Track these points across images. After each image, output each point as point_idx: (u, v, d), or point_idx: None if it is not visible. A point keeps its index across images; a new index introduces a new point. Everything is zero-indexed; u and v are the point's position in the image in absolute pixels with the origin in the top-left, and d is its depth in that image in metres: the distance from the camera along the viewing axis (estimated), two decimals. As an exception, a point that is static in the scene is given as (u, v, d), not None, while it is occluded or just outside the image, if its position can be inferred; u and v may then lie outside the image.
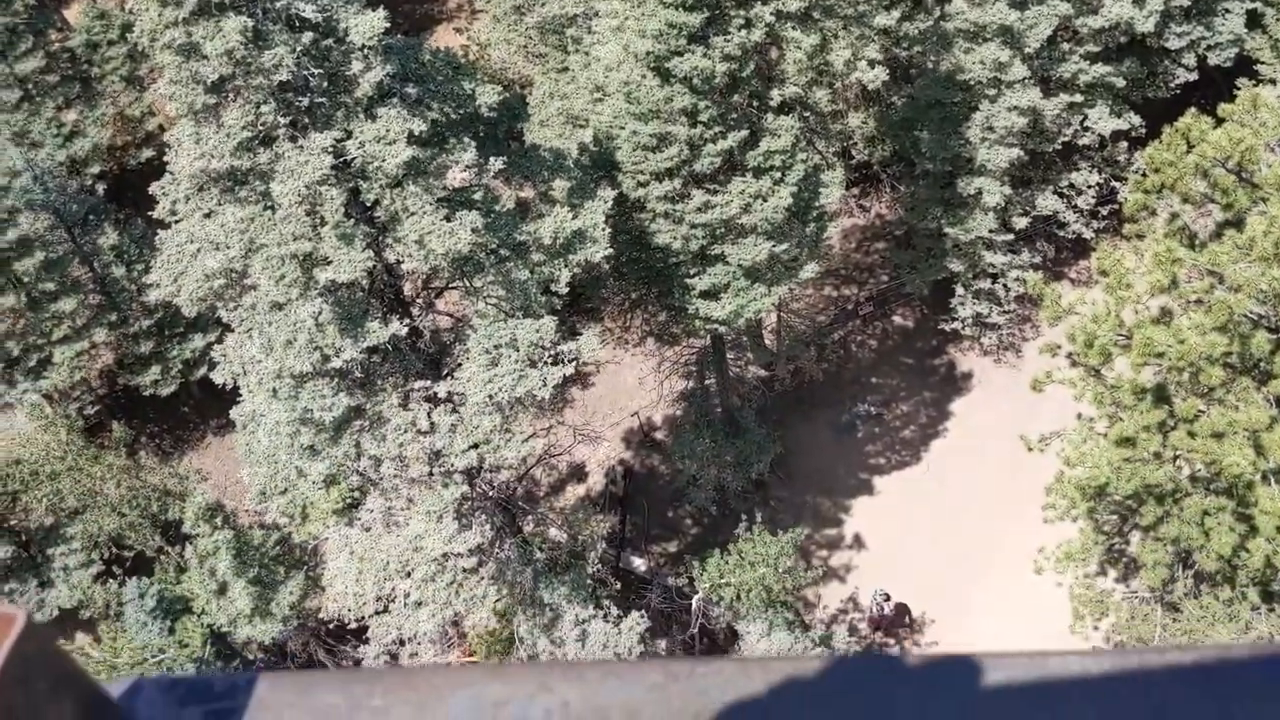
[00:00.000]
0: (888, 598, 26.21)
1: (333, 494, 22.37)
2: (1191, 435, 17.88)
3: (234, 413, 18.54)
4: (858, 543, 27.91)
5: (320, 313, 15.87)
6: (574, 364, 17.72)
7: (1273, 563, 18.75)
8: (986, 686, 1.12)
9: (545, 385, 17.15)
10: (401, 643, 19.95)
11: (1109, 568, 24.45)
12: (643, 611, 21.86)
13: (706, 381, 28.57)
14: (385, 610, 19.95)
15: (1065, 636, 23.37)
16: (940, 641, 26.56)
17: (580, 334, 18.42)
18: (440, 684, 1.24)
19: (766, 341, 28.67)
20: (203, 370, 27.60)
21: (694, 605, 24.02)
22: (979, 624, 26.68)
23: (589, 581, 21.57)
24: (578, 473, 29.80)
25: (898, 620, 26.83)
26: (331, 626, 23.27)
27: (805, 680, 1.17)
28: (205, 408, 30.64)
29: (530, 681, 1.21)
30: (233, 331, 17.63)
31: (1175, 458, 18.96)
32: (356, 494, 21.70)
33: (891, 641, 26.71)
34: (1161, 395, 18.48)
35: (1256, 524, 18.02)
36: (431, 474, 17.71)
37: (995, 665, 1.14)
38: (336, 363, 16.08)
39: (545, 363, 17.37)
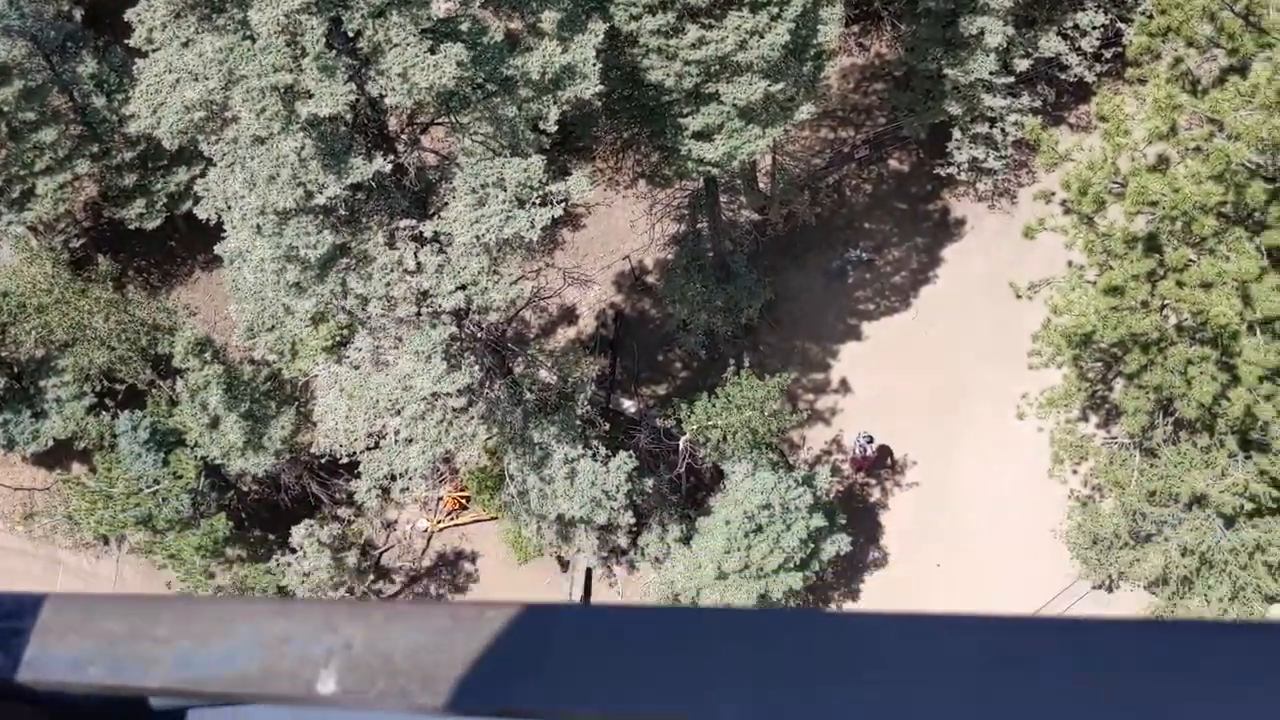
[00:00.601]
0: (870, 440, 26.65)
1: (321, 331, 22.41)
2: (1180, 285, 17.86)
3: (219, 249, 18.37)
4: (844, 387, 28.20)
5: (303, 148, 15.55)
6: (563, 205, 17.49)
7: (1253, 412, 19.00)
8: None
9: (534, 226, 16.96)
10: (393, 478, 20.29)
11: (1090, 414, 24.80)
12: (630, 452, 22.22)
13: (698, 225, 28.35)
14: (376, 446, 20.24)
15: (1044, 481, 23.86)
16: (921, 482, 27.14)
17: (570, 174, 18.12)
18: (225, 616, 1.21)
19: (760, 185, 28.32)
20: (188, 204, 27.26)
21: (681, 446, 24.41)
22: (959, 467, 27.25)
23: (578, 422, 21.84)
24: (568, 315, 29.84)
25: (879, 461, 27.36)
26: (324, 461, 23.64)
27: (594, 630, 1.13)
28: (192, 242, 30.41)
29: (316, 619, 1.19)
30: (215, 166, 17.31)
31: (1162, 307, 18.98)
32: (345, 332, 21.74)
33: (873, 482, 27.30)
34: (1152, 244, 18.38)
35: (1239, 373, 18.18)
36: (419, 314, 17.70)
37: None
38: (320, 199, 15.85)
39: (534, 203, 17.14)
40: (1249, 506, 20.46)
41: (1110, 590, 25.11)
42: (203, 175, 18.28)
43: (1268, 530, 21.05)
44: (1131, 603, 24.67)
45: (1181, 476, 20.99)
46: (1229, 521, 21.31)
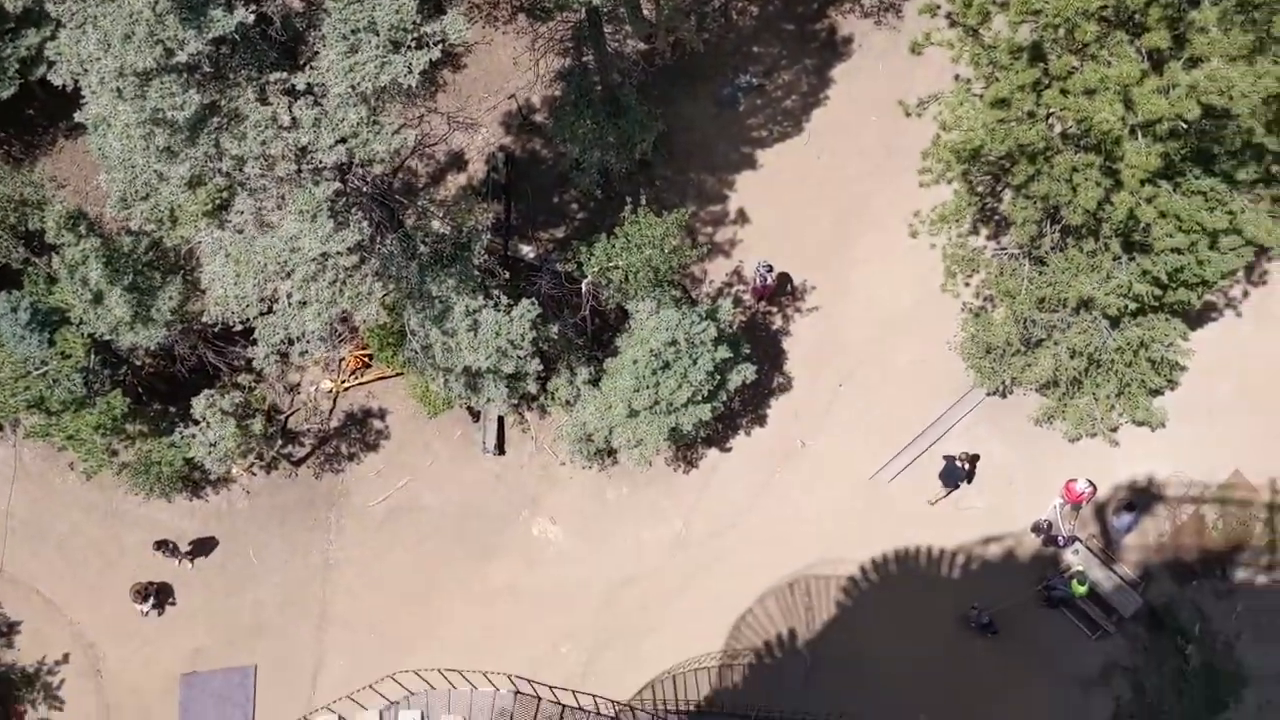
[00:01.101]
0: (770, 268, 26.83)
1: (200, 196, 21.45)
2: (1064, 93, 17.98)
3: (80, 116, 17.30)
4: (741, 217, 28.19)
5: (156, 2, 14.57)
6: (441, 46, 16.75)
7: (1135, 214, 19.49)
8: None
9: (411, 71, 16.26)
10: (290, 342, 19.88)
11: (981, 227, 25.22)
12: (533, 299, 22.04)
13: (585, 58, 27.54)
14: (270, 311, 19.74)
15: (938, 296, 24.37)
16: (821, 307, 27.55)
17: (445, 12, 17.31)
18: None
19: (645, 12, 27.46)
20: (42, 69, 25.54)
21: (583, 289, 24.29)
22: (857, 288, 27.68)
23: (476, 272, 21.51)
24: (457, 162, 29.06)
25: (779, 289, 27.64)
26: (217, 329, 23.04)
27: None
28: (52, 110, 28.68)
29: None
30: (65, 27, 16.13)
31: (1048, 116, 19.14)
32: (225, 195, 20.86)
33: (774, 309, 27.62)
34: (1037, 53, 18.39)
35: (1121, 178, 18.55)
36: (300, 172, 17.02)
37: None
38: (181, 56, 14.93)
39: (409, 46, 16.39)
40: (1133, 306, 21.23)
41: (1004, 396, 26.10)
42: (53, 38, 17.04)
43: (1150, 328, 21.93)
44: (1025, 407, 25.70)
45: (1069, 282, 21.60)
46: (1114, 322, 22.12)
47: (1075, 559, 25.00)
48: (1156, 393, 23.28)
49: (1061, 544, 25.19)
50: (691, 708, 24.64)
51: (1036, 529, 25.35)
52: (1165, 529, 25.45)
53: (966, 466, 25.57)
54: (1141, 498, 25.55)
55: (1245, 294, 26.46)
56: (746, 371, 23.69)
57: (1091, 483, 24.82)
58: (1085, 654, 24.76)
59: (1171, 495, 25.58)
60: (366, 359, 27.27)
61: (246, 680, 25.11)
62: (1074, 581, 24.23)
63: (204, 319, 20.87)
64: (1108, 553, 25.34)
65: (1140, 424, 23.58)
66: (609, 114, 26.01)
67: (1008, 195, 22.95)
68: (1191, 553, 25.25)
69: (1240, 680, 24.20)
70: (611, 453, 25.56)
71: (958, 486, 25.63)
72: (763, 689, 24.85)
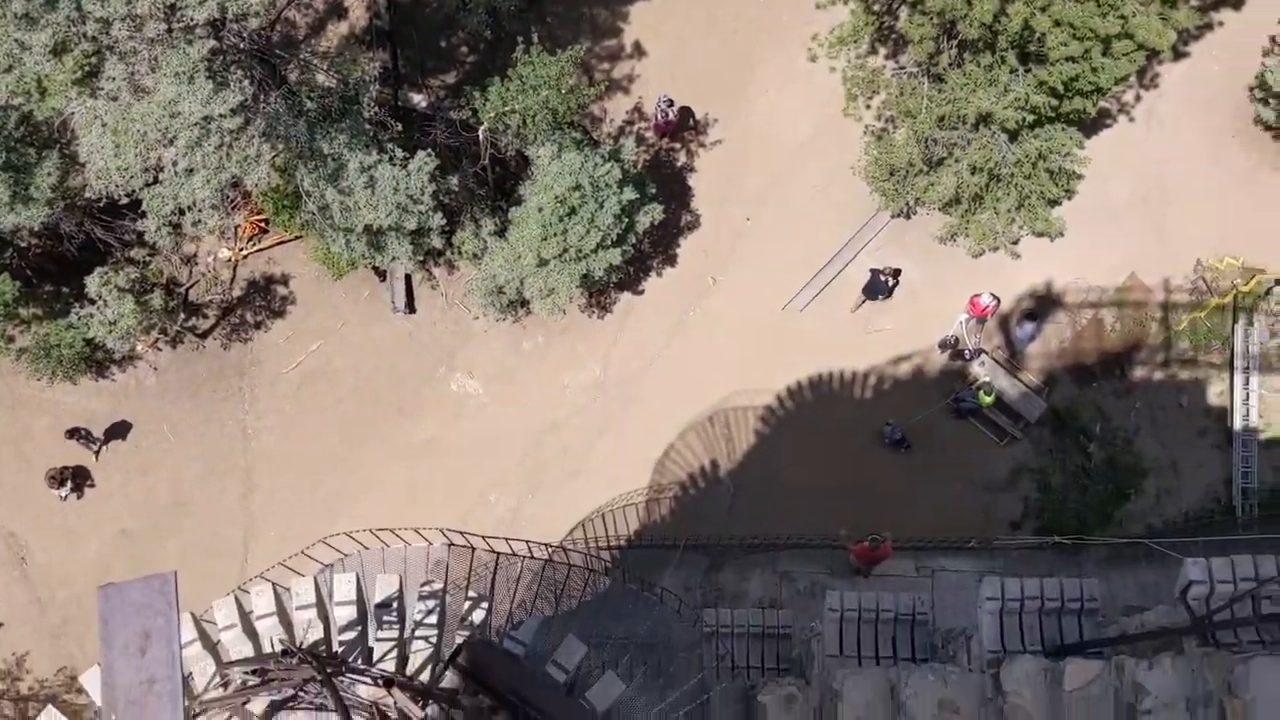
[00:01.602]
0: (671, 103, 26.38)
1: (67, 64, 20.21)
2: (957, -97, 17.65)
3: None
4: (638, 51, 27.52)
5: None
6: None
7: (1030, 25, 19.47)
8: None
9: (278, -86, 15.29)
10: (181, 212, 19.15)
11: (879, 46, 25.01)
12: (429, 150, 21.44)
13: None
14: (156, 181, 18.94)
15: (840, 121, 24.27)
16: (724, 140, 27.29)
17: None
18: None
19: None
20: None
21: (480, 137, 23.65)
22: (759, 118, 27.42)
23: (367, 126, 20.78)
24: (337, 9, 27.71)
25: (682, 124, 27.26)
26: (103, 204, 22.09)
27: None
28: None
29: None
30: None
31: (942, -72, 18.82)
32: (94, 61, 19.68)
33: (678, 146, 27.30)
34: None
35: (1016, -11, 18.44)
36: (170, 31, 16.08)
37: None
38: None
39: (273, -113, 15.37)
40: (1030, 119, 21.40)
41: (908, 217, 26.38)
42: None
43: (1048, 139, 22.18)
44: (929, 226, 26.02)
45: (967, 98, 21.65)
46: (1013, 136, 22.31)
47: (981, 371, 25.83)
48: (1055, 203, 23.72)
49: (968, 357, 25.95)
50: (622, 543, 25.33)
51: (944, 345, 26.04)
52: (1066, 335, 26.33)
53: (890, 281, 25.96)
54: (1042, 306, 26.31)
55: (1137, 98, 26.82)
56: (655, 212, 23.52)
57: (995, 296, 25.42)
58: (995, 460, 25.85)
59: (1071, 302, 26.38)
60: (263, 224, 26.47)
61: (167, 587, 24.93)
62: (981, 393, 25.08)
63: (87, 194, 19.95)
64: (1012, 362, 26.20)
65: (1040, 235, 24.09)
66: (491, -52, 24.86)
67: (904, 13, 22.70)
68: (1091, 356, 26.22)
69: (1139, 472, 25.53)
70: (524, 303, 25.43)
71: (878, 297, 26.05)
72: (689, 519, 25.58)
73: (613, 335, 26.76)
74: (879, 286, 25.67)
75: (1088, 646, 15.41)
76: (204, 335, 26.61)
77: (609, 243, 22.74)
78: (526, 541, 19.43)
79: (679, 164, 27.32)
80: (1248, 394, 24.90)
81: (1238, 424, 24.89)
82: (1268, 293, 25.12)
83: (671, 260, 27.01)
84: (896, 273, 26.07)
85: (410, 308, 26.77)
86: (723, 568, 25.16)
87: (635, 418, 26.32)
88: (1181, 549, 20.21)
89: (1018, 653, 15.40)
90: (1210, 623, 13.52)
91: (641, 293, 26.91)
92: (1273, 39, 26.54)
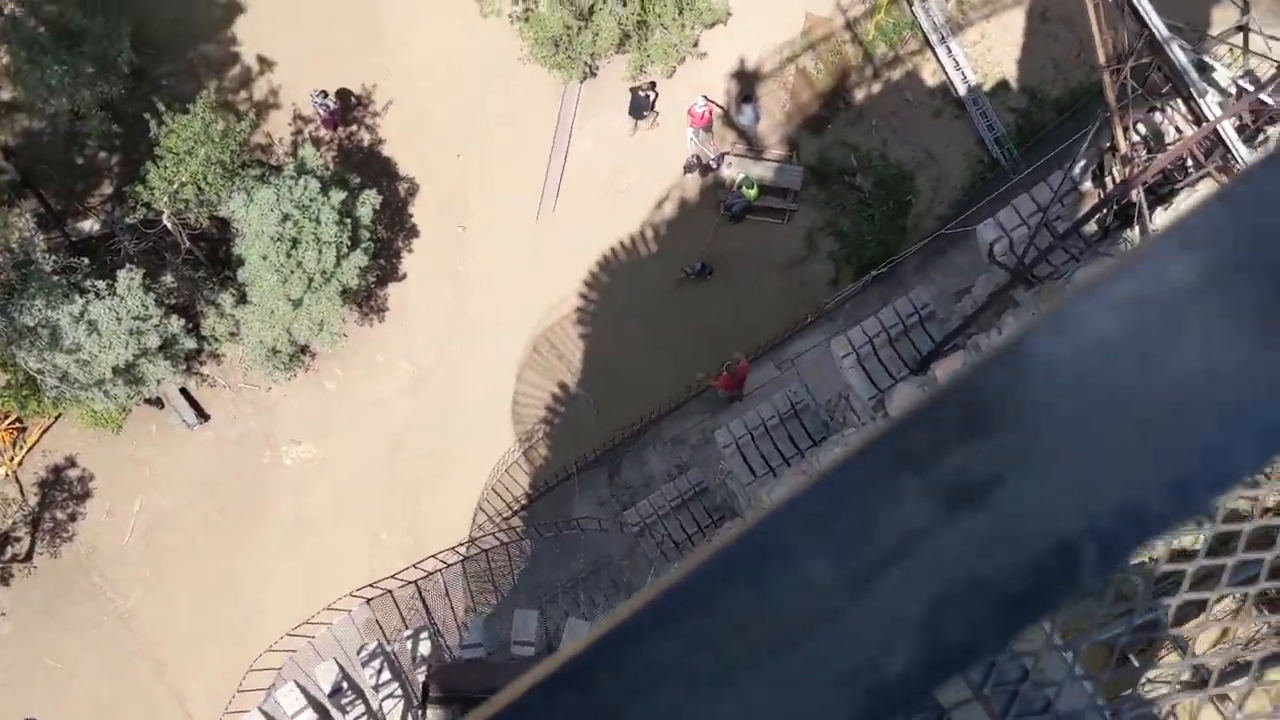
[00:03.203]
0: (325, 93, 25.56)
1: None
2: None
3: None
4: (264, 64, 26.42)
5: None
6: None
7: None
8: None
9: None
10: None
11: (479, -61, 24.61)
12: (127, 265, 20.33)
13: (5, 9, 24.26)
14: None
15: (487, 25, 23.87)
16: (394, 99, 26.62)
17: None
18: None
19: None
20: None
21: (168, 225, 22.50)
22: (412, 61, 26.80)
23: (56, 278, 19.54)
24: (-44, 186, 25.61)
25: (347, 106, 26.47)
26: None
27: None
28: None
29: None
30: None
31: None
32: None
33: (354, 128, 26.53)
34: None
35: None
36: None
37: None
38: None
39: None
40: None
41: (594, 74, 26.41)
42: None
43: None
44: (617, 71, 26.10)
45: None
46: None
47: (732, 170, 26.38)
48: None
49: (715, 166, 26.43)
50: (524, 501, 25.31)
51: (689, 167, 26.44)
52: (783, 98, 27.02)
53: (651, 95, 26.08)
54: (750, 84, 26.89)
55: None
56: (370, 199, 22.95)
57: (706, 98, 25.83)
58: (786, 238, 26.62)
59: (771, 68, 27.02)
60: (18, 424, 24.79)
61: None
62: (743, 189, 25.66)
63: None
64: (754, 148, 26.82)
65: (713, 25, 24.47)
66: (69, 46, 23.27)
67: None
68: (814, 104, 27.03)
69: (906, 177, 26.65)
70: (304, 350, 24.65)
71: (645, 115, 26.22)
72: (568, 445, 25.68)
73: (402, 328, 26.26)
74: (642, 103, 25.87)
75: (943, 345, 16.28)
76: (28, 558, 24.98)
77: (346, 250, 22.13)
78: (433, 555, 19.18)
79: (367, 142, 26.61)
80: (955, 60, 26.12)
81: (962, 90, 26.14)
82: (923, -34, 26.22)
83: (414, 232, 26.50)
84: (652, 85, 26.18)
85: (203, 416, 25.64)
86: (621, 468, 25.43)
87: (468, 388, 26.05)
88: (975, 219, 21.30)
89: (891, 385, 16.17)
90: (1024, 266, 14.40)
91: (404, 276, 26.39)
92: None
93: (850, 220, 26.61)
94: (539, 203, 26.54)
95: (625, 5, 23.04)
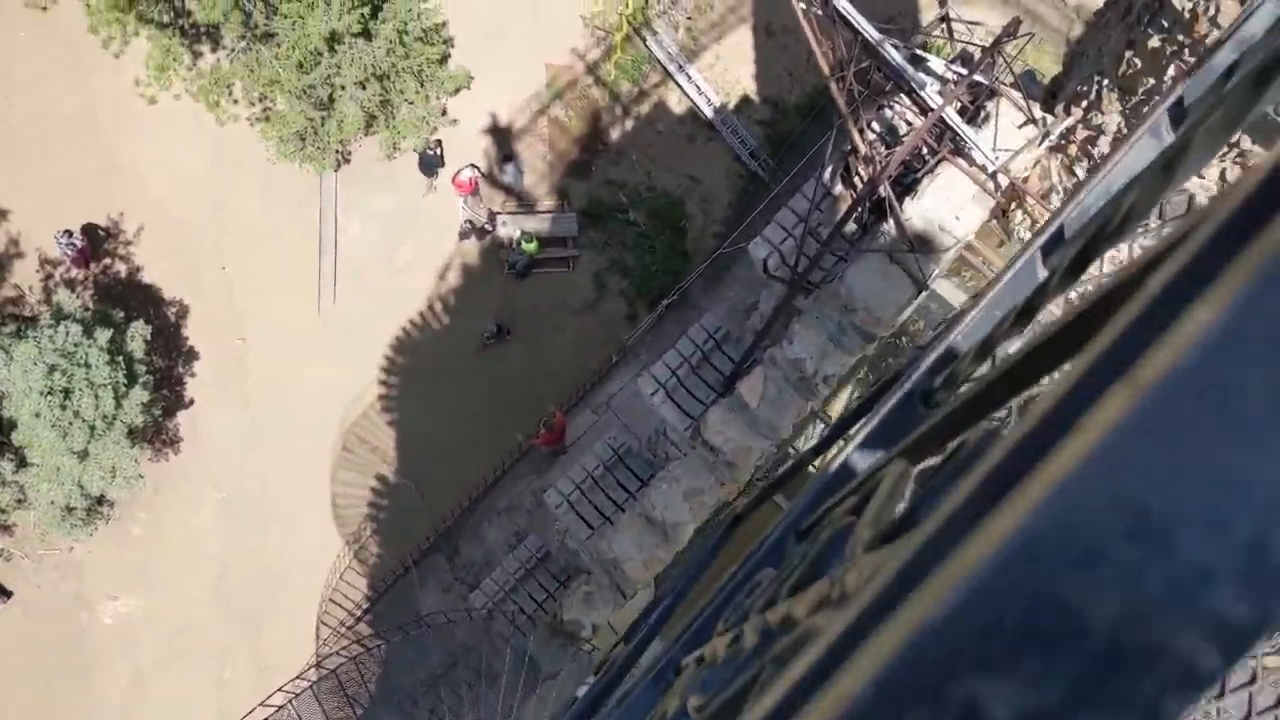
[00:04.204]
0: (70, 233, 24.32)
1: None
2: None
3: None
4: (-3, 213, 24.94)
5: None
6: None
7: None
8: None
9: None
10: None
11: (198, 47, 23.95)
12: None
13: None
14: None
15: (223, 130, 23.16)
16: (144, 224, 25.53)
17: None
18: None
19: None
20: None
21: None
22: (157, 182, 25.82)
23: None
24: None
25: (95, 241, 25.25)
26: None
27: None
28: None
29: None
30: None
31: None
32: None
33: (110, 261, 25.30)
34: None
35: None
36: None
37: None
38: None
39: None
40: (365, 10, 21.34)
41: (348, 161, 26.03)
42: None
43: (394, 14, 22.29)
44: (371, 153, 25.79)
45: (305, 31, 21.29)
46: (366, 34, 22.25)
47: (508, 229, 26.41)
48: (445, 59, 24.07)
49: (490, 228, 26.42)
50: (366, 605, 24.52)
51: (464, 234, 26.33)
52: (542, 149, 27.28)
53: (439, 150, 25.93)
54: (507, 142, 27.04)
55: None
56: (140, 330, 21.93)
57: (472, 165, 25.83)
58: (576, 284, 26.82)
59: (524, 122, 27.24)
60: None
61: None
62: (523, 245, 25.72)
63: None
64: (524, 203, 26.95)
65: (457, 91, 24.47)
66: None
67: (201, 3, 21.74)
68: (573, 149, 27.40)
69: (676, 203, 27.29)
70: (100, 500, 23.25)
71: (438, 172, 26.11)
72: (399, 537, 25.06)
73: (201, 455, 25.12)
74: (432, 160, 25.80)
75: (743, 364, 16.68)
76: None
77: (124, 389, 21.04)
78: (280, 689, 18.38)
79: (125, 273, 25.42)
80: (696, 85, 26.95)
81: (709, 112, 26.98)
82: (645, 2, 26.98)
83: (193, 354, 25.43)
84: (438, 142, 25.89)
85: (4, 594, 23.84)
86: (458, 548, 24.97)
87: (283, 501, 25.11)
88: (750, 232, 21.95)
89: (703, 412, 16.45)
90: (799, 275, 14.91)
91: (191, 402, 25.27)
92: None
93: (632, 255, 27.01)
94: (317, 298, 25.91)
95: (365, 88, 22.80)
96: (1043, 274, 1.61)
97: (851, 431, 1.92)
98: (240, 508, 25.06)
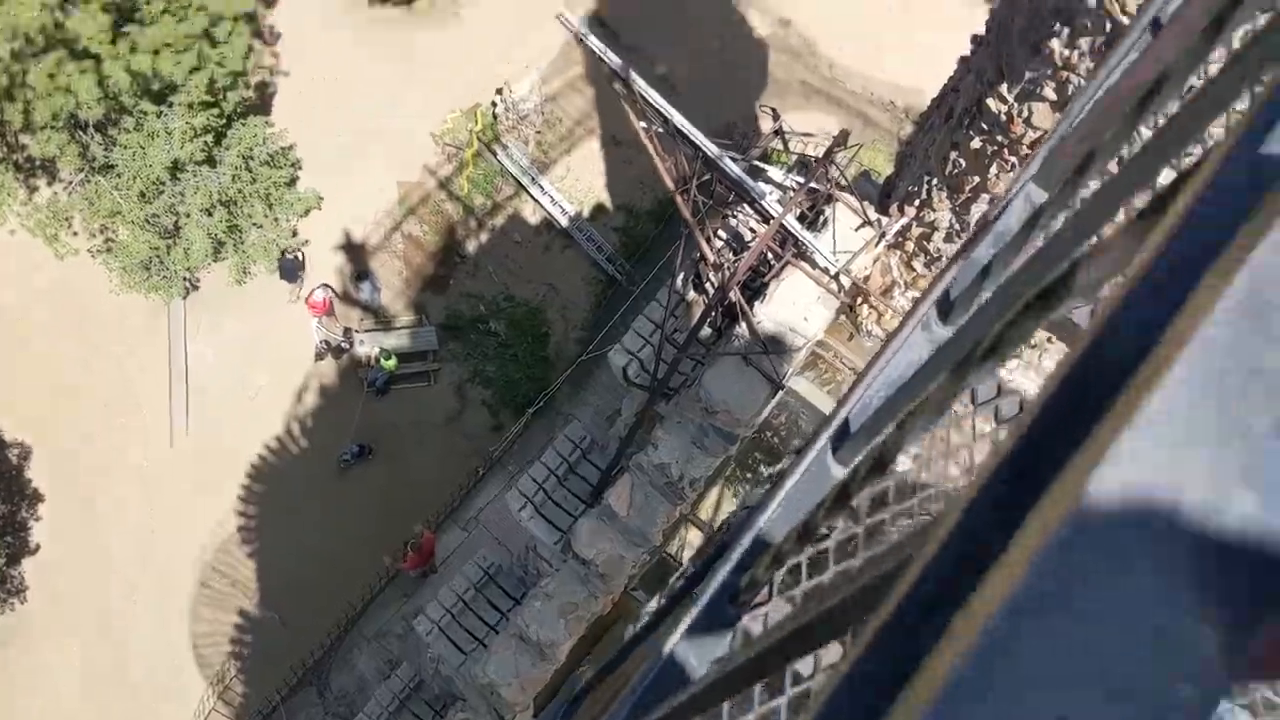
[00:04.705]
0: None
1: None
2: None
3: None
4: None
5: None
6: None
7: (134, 71, 18.94)
8: None
9: None
10: None
11: (34, 181, 23.31)
12: None
13: None
14: None
15: (68, 266, 22.46)
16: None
17: None
18: None
19: None
20: None
21: None
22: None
23: None
24: None
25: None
26: None
27: None
28: None
29: None
30: None
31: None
32: None
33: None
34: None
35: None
36: None
37: None
38: None
39: None
40: (210, 136, 21.14)
41: (197, 287, 25.45)
42: None
43: (239, 140, 22.11)
44: (221, 279, 25.28)
45: (146, 163, 20.96)
46: (210, 161, 21.99)
47: (366, 347, 26.09)
48: (293, 181, 23.95)
49: (347, 346, 26.06)
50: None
51: (320, 355, 25.91)
52: (398, 265, 27.17)
53: (300, 256, 25.59)
54: (363, 259, 26.86)
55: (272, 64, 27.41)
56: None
57: (325, 285, 25.54)
58: (438, 398, 26.57)
59: (378, 240, 27.14)
60: None
61: None
62: (382, 362, 25.41)
63: None
64: (382, 320, 26.71)
65: (307, 212, 24.32)
66: None
67: (36, 138, 21.21)
68: (429, 264, 27.37)
69: (536, 311, 27.40)
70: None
71: (300, 278, 25.71)
72: (267, 672, 24.02)
73: (50, 602, 23.74)
74: (291, 266, 25.37)
75: (609, 473, 16.70)
76: None
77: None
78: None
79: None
80: (550, 196, 27.35)
81: (564, 221, 27.35)
82: (495, 118, 27.41)
83: (37, 498, 24.24)
84: (298, 249, 25.59)
85: None
86: (329, 681, 24.04)
87: (143, 643, 23.88)
88: (611, 337, 22.14)
89: (572, 524, 16.34)
90: (659, 382, 15.09)
91: (37, 549, 24.00)
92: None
93: (495, 365, 26.95)
94: (170, 429, 25.05)
95: (211, 215, 22.45)
96: (837, 472, 1.67)
97: (673, 617, 1.94)
98: (97, 653, 23.70)
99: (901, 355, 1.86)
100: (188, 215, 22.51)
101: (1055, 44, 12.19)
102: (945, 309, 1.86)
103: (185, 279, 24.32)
